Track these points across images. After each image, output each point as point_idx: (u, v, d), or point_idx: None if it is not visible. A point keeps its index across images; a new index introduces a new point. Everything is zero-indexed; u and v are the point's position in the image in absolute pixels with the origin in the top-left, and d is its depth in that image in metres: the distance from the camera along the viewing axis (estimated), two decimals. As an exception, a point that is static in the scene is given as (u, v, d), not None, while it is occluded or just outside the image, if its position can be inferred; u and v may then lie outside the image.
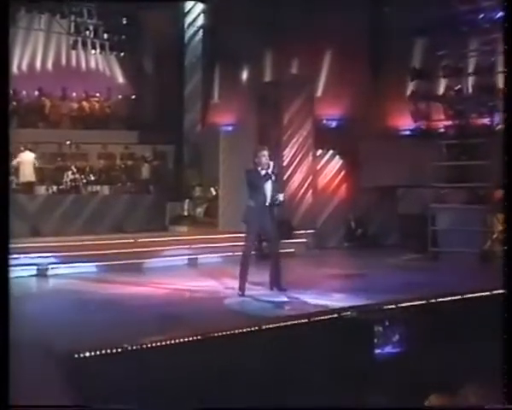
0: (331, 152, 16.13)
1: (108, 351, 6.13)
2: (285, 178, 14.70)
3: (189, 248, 13.28)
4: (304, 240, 14.78)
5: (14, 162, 15.76)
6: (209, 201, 17.28)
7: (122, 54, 20.62)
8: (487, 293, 9.08)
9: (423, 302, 8.74)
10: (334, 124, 16.83)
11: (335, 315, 7.86)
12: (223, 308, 8.72)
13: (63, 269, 11.52)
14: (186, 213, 17.32)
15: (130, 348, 6.28)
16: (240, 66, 18.55)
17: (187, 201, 17.55)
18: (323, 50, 16.82)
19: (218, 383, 6.45)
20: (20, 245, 10.67)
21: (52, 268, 11.43)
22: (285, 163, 15.05)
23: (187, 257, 13.02)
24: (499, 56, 12.82)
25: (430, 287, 9.98)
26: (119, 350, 6.20)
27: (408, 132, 16.09)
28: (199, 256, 13.11)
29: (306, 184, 15.53)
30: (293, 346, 7.12)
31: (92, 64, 21.17)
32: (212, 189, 17.25)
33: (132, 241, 13.28)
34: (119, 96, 21.22)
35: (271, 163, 9.33)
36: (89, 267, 11.83)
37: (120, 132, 19.80)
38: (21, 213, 14.41)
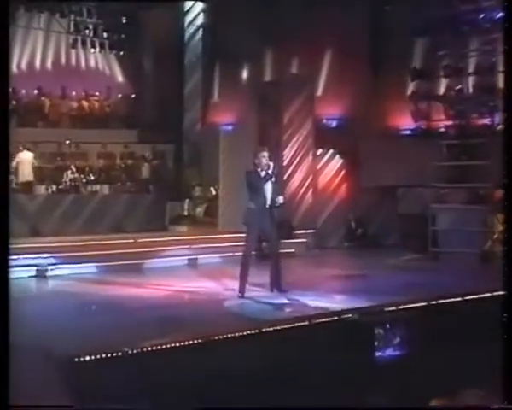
0: (331, 152, 16.10)
1: (108, 355, 6.10)
2: (285, 177, 14.70)
3: (189, 249, 13.26)
4: (304, 240, 14.76)
5: (13, 162, 15.73)
6: (209, 200, 17.27)
7: (122, 53, 20.63)
8: (488, 294, 9.04)
9: (424, 304, 8.70)
10: (334, 123, 16.82)
11: (336, 318, 7.83)
12: (223, 311, 8.68)
13: (62, 270, 11.49)
14: (186, 213, 17.31)
15: (130, 351, 6.24)
16: (240, 65, 18.54)
17: (187, 200, 17.54)
18: (324, 50, 16.81)
19: (217, 387, 6.41)
20: (19, 245, 10.60)
21: (51, 269, 11.40)
22: (285, 163, 15.04)
23: (187, 257, 12.99)
24: (500, 56, 12.78)
25: (431, 288, 9.97)
26: (119, 354, 6.17)
27: (408, 132, 16.08)
28: (199, 256, 13.08)
29: (306, 184, 15.52)
30: (294, 349, 7.09)
31: (92, 63, 21.16)
32: (212, 188, 17.25)
33: (132, 241, 13.26)
34: (119, 96, 21.21)
35: (271, 164, 9.31)
36: (88, 268, 11.78)
37: (120, 131, 19.80)
38: (21, 212, 14.35)
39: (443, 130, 14.92)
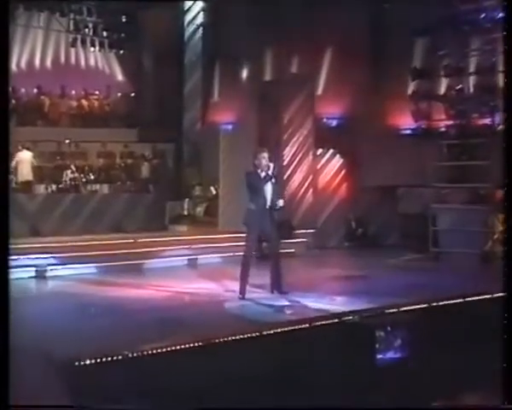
0: (331, 151, 16.09)
1: (109, 358, 6.07)
2: (285, 177, 14.69)
3: (189, 249, 13.22)
4: (304, 240, 14.74)
5: (13, 161, 15.71)
6: (209, 200, 17.24)
7: (121, 52, 20.61)
8: (489, 295, 9.03)
9: (425, 306, 8.68)
10: (334, 123, 16.76)
11: (336, 320, 7.80)
12: (223, 313, 8.65)
13: (62, 270, 11.46)
14: (186, 213, 17.29)
15: (130, 354, 6.22)
16: (240, 64, 18.49)
17: (187, 200, 17.52)
18: (324, 49, 16.75)
19: (218, 390, 6.40)
20: (18, 246, 10.59)
21: (51, 269, 11.37)
22: (285, 162, 15.03)
23: (187, 257, 12.97)
24: (500, 56, 12.75)
25: (431, 289, 9.95)
26: (119, 357, 6.15)
27: (409, 132, 16.02)
28: (199, 256, 13.05)
29: (307, 184, 15.50)
30: (295, 352, 7.07)
31: (91, 62, 21.14)
32: (212, 188, 17.23)
33: (132, 241, 13.23)
34: (119, 94, 21.19)
35: (271, 165, 9.28)
36: (88, 268, 11.75)
37: (120, 130, 19.76)
38: (20, 212, 14.32)
39: (443, 130, 14.88)
